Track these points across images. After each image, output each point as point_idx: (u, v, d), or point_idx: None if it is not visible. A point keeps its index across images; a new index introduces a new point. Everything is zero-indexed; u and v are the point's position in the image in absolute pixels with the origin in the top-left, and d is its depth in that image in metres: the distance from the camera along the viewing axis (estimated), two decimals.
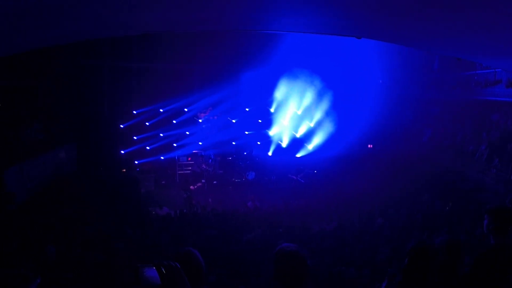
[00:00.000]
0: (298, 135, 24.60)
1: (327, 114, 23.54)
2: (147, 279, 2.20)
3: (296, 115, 24.69)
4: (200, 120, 24.27)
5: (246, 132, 24.34)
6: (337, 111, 22.92)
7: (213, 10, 5.22)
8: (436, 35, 5.82)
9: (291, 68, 23.27)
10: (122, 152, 21.66)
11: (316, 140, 23.83)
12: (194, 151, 23.15)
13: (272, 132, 24.68)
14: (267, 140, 24.61)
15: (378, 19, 5.41)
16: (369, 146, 22.44)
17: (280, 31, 11.58)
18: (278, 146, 24.42)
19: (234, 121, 24.29)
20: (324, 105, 23.62)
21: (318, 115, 24.16)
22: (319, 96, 23.76)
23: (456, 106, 20.16)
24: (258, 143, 24.41)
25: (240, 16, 5.70)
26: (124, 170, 20.98)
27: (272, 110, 24.72)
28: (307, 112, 24.63)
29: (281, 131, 24.61)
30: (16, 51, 7.08)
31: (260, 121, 24.60)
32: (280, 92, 24.26)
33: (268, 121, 24.85)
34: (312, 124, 24.36)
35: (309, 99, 24.15)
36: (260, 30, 12.92)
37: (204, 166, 22.62)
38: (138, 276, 2.21)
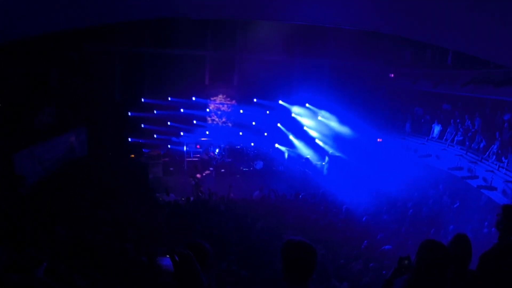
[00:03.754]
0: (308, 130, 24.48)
1: (337, 108, 23.27)
2: (162, 267, 2.32)
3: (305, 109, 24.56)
4: (208, 110, 24.23)
5: (253, 123, 24.14)
6: (346, 106, 22.60)
7: None
8: (455, 29, 5.74)
9: None
10: (130, 139, 21.81)
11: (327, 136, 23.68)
12: (202, 139, 23.20)
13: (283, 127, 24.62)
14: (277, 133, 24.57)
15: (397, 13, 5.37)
16: (378, 140, 22.36)
17: (309, 23, 11.52)
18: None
19: (241, 111, 24.15)
20: (335, 99, 23.30)
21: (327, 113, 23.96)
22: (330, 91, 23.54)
23: (468, 103, 20.08)
24: (265, 134, 24.31)
25: (265, 4, 5.64)
26: (133, 156, 21.08)
27: (281, 102, 24.47)
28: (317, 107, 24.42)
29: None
30: (27, 34, 7.11)
31: (268, 112, 24.29)
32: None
33: (278, 114, 24.53)
34: (320, 118, 24.14)
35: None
36: (286, 22, 12.83)
37: (212, 153, 22.68)
38: (154, 264, 2.33)
